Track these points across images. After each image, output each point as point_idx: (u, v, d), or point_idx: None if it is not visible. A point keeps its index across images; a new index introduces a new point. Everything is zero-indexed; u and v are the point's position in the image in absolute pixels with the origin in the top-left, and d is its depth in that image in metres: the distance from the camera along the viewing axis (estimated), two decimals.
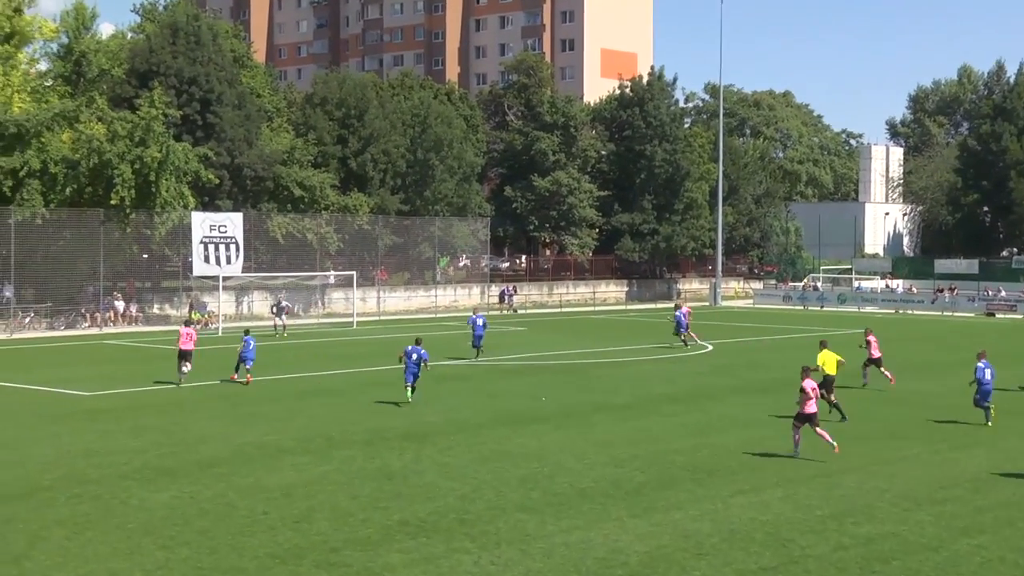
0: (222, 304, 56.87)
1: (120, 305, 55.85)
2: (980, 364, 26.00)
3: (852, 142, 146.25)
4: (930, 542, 16.13)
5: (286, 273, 61.04)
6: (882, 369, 32.44)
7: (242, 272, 58.75)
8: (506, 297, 72.86)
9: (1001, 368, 30.17)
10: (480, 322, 40.59)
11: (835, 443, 21.76)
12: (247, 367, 32.77)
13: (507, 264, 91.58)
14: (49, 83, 61.04)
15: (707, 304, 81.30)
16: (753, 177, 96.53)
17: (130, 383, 33.03)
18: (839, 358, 27.17)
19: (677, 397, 30.79)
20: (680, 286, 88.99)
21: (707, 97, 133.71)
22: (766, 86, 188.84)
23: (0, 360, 40.62)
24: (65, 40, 60.76)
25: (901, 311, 74.82)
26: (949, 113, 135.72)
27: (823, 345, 28.00)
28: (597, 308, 75.90)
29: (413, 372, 28.90)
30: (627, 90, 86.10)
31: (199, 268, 56.85)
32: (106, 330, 53.23)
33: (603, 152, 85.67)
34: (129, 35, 67.55)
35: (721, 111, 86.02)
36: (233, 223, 57.81)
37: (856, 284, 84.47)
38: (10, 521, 16.81)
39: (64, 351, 44.09)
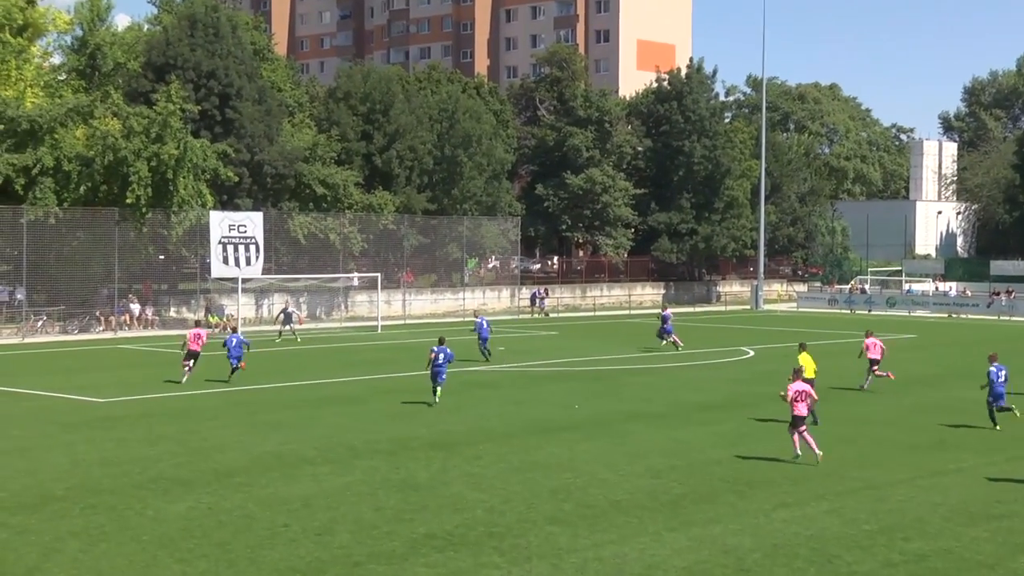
0: (241, 307, 57.13)
1: (136, 308, 56.24)
2: (992, 368, 26.53)
3: (903, 137, 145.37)
4: (987, 559, 16.00)
5: (308, 275, 61.27)
6: (875, 369, 33.39)
7: (262, 274, 59.00)
8: (537, 300, 72.84)
9: None
10: (484, 324, 41.98)
11: (820, 451, 22.19)
12: (238, 364, 34.30)
13: (538, 266, 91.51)
14: (63, 77, 61.61)
15: (748, 308, 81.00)
16: (797, 174, 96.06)
17: (145, 389, 33.26)
18: (815, 365, 28.00)
19: (715, 405, 30.69)
20: (720, 288, 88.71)
21: (749, 90, 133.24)
22: (811, 78, 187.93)
23: (12, 365, 41.01)
24: (79, 32, 61.32)
25: (954, 315, 74.26)
26: (1007, 106, 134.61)
27: (802, 347, 28.82)
28: (632, 312, 75.74)
29: (439, 373, 30.14)
30: (664, 83, 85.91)
31: (217, 270, 57.15)
32: (121, 334, 53.62)
33: (639, 148, 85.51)
34: (145, 27, 68.10)
35: (763, 105, 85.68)
36: (253, 223, 58.10)
37: (906, 287, 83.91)
38: (23, 532, 16.97)
39: (78, 356, 44.45)
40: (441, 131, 72.54)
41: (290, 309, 52.71)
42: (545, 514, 18.20)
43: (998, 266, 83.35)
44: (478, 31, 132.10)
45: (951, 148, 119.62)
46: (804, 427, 22.61)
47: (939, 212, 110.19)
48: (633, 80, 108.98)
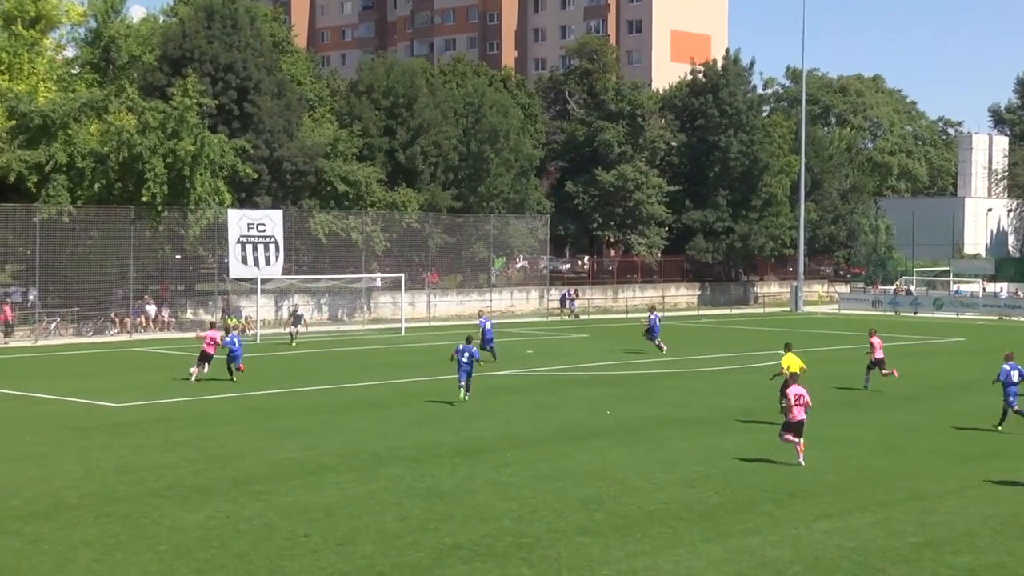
0: (260, 309, 57.35)
1: (151, 310, 56.54)
2: (1006, 366, 26.90)
3: (950, 131, 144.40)
4: None
5: (329, 275, 61.44)
6: (883, 371, 34.54)
7: (282, 274, 59.20)
8: (567, 301, 72.81)
9: None
10: (488, 325, 43.11)
11: (803, 460, 22.64)
12: (237, 364, 35.78)
13: (568, 266, 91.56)
14: (76, 71, 61.98)
15: (787, 310, 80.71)
16: (839, 170, 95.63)
17: (162, 394, 33.44)
18: (802, 364, 28.55)
19: (754, 411, 30.55)
20: (758, 289, 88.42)
21: (788, 82, 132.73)
22: (853, 70, 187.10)
23: (25, 369, 41.32)
24: (93, 25, 61.65)
25: (1005, 317, 73.74)
26: None
27: (787, 348, 29.68)
28: (666, 314, 75.54)
29: (466, 371, 31.30)
30: (700, 75, 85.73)
31: (236, 270, 57.38)
32: (136, 336, 53.92)
33: (673, 143, 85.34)
34: (161, 19, 68.40)
35: (803, 98, 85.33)
36: (272, 221, 58.31)
37: (954, 288, 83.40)
38: (36, 541, 17.09)
39: (92, 359, 44.73)
40: (467, 126, 72.60)
41: (299, 312, 52.80)
42: (576, 524, 18.19)
43: None
44: (505, 22, 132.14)
45: (1002, 142, 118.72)
46: (798, 433, 22.87)
47: (989, 209, 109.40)
48: (667, 72, 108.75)
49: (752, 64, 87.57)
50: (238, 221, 57.08)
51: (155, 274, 58.85)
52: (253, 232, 57.53)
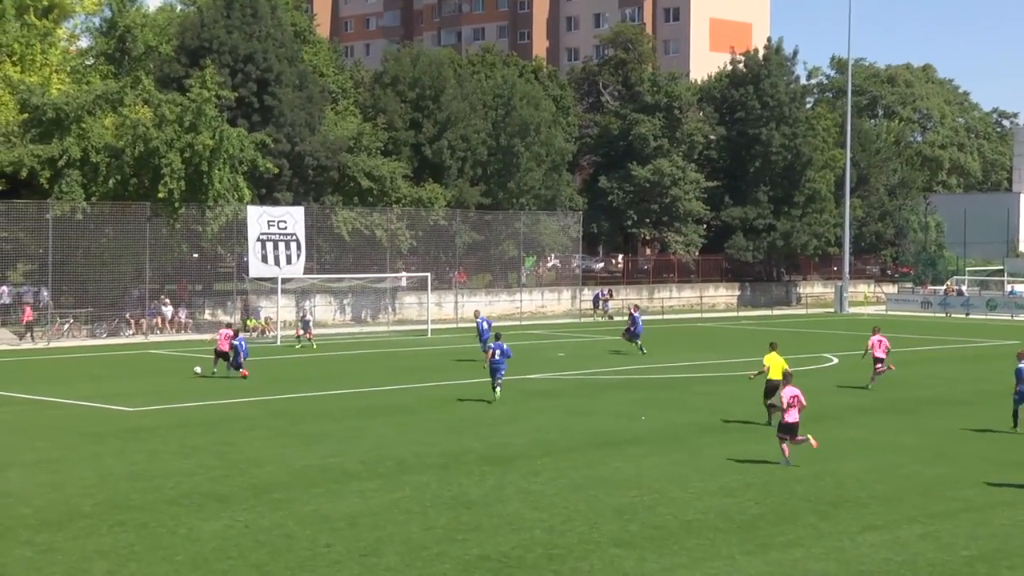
0: (281, 309, 57.52)
1: (168, 310, 56.80)
2: (1021, 365, 27.14)
3: (1005, 123, 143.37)
4: None
5: (352, 275, 61.57)
6: (878, 367, 36.24)
7: (303, 274, 59.34)
8: (600, 302, 72.73)
9: None
10: (485, 325, 43.40)
11: (788, 461, 23.25)
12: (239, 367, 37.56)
13: (601, 265, 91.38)
14: (90, 62, 62.36)
15: (832, 311, 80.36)
16: (886, 164, 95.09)
17: (178, 398, 33.59)
18: (785, 365, 28.47)
19: None
20: (800, 290, 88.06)
21: (833, 73, 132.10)
22: (902, 59, 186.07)
23: (37, 372, 41.61)
24: (108, 14, 62.05)
25: None
26: None
27: (772, 347, 29.66)
28: (704, 315, 75.37)
29: (499, 369, 32.30)
30: (740, 66, 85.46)
31: (256, 269, 57.55)
32: (152, 338, 54.20)
33: (712, 137, 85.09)
34: (178, 8, 68.80)
35: (849, 89, 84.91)
36: (293, 218, 58.47)
37: (1008, 288, 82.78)
38: (48, 551, 17.18)
39: (106, 362, 44.99)
40: (496, 119, 72.60)
41: (308, 316, 52.83)
42: (609, 535, 18.15)
43: None
44: (536, 10, 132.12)
45: None
46: (792, 436, 23.51)
47: None
48: (705, 63, 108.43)
49: (795, 53, 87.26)
50: (258, 218, 57.25)
51: (172, 273, 59.09)
52: (273, 230, 57.68)
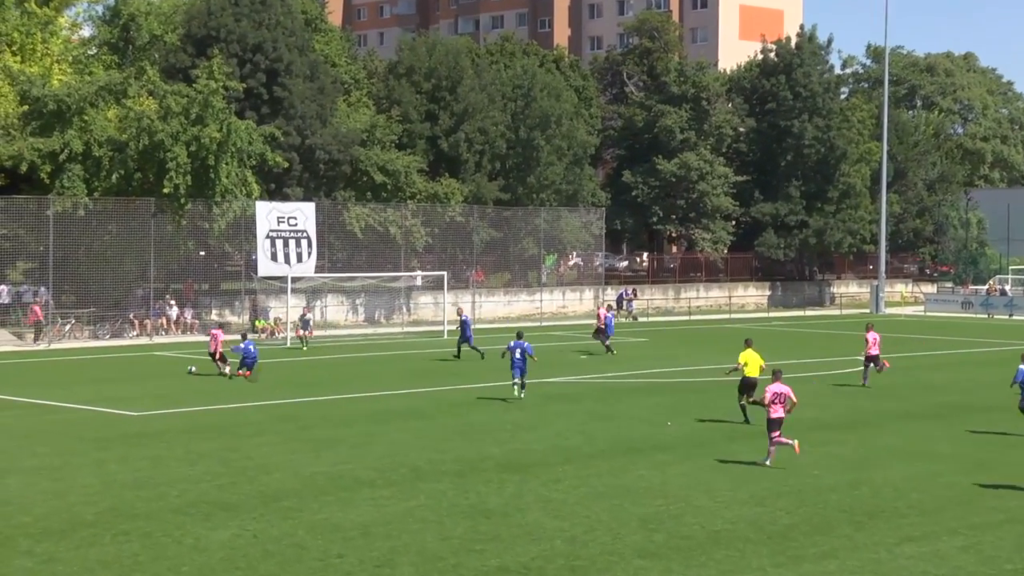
0: (291, 310, 57.58)
1: (173, 311, 56.96)
2: (1023, 367, 27.04)
3: None
4: None
5: (365, 273, 61.66)
6: (875, 367, 37.56)
7: (315, 272, 59.44)
8: (624, 302, 72.67)
9: None
10: (469, 321, 46.15)
11: (770, 462, 23.95)
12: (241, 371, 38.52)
13: (625, 263, 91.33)
14: (93, 52, 62.57)
15: (867, 311, 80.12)
16: (925, 158, 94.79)
17: (184, 402, 33.70)
18: (762, 362, 29.69)
19: (830, 423, 30.39)
20: (834, 289, 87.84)
21: (868, 62, 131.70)
22: (942, 47, 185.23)
23: (37, 374, 41.79)
24: (111, 2, 62.28)
25: None
26: None
27: (747, 344, 30.33)
28: (733, 316, 75.23)
29: (519, 368, 33.32)
30: (771, 54, 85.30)
31: (265, 267, 57.69)
32: (157, 340, 54.36)
33: (741, 129, 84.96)
34: None
35: (886, 78, 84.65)
36: (304, 214, 58.60)
37: None
38: (49, 561, 17.26)
39: (109, 364, 45.15)
40: (515, 111, 72.60)
41: (308, 316, 52.85)
42: (633, 546, 18.14)
43: None
44: None
45: None
46: (778, 432, 24.09)
47: None
48: (735, 51, 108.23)
49: (829, 42, 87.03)
50: (267, 214, 57.39)
51: (177, 272, 59.29)
52: (283, 226, 57.82)
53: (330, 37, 75.35)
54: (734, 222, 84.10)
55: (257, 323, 56.55)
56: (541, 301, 71.50)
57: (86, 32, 65.14)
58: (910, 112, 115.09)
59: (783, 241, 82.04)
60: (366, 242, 63.36)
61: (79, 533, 18.72)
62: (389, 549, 17.86)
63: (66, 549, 17.82)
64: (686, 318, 73.36)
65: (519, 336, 34.35)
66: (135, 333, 55.38)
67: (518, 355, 33.50)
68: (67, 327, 53.82)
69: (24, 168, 53.05)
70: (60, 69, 58.63)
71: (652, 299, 78.03)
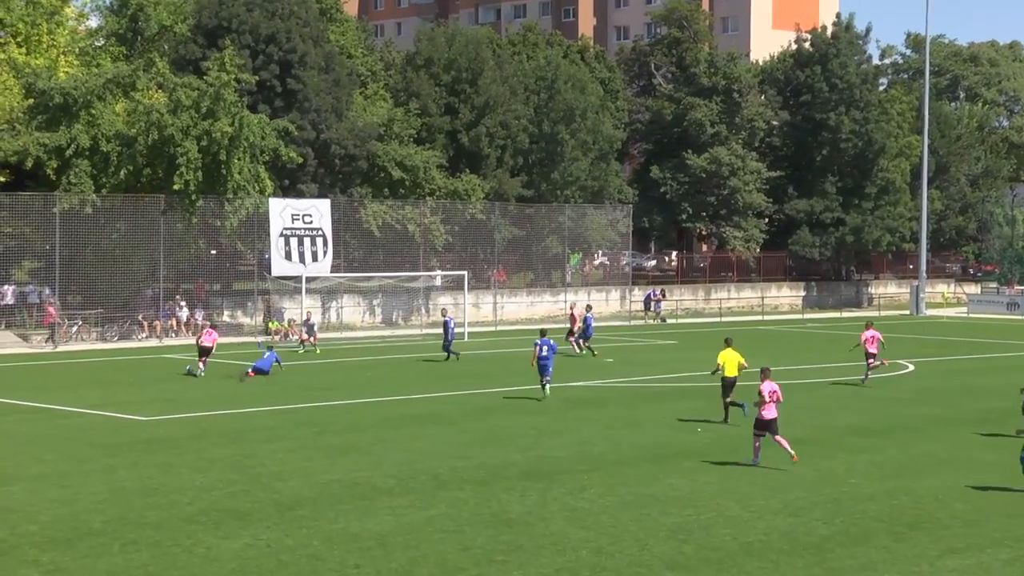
0: (306, 311, 57.69)
1: (184, 312, 57.13)
2: None
3: None
4: None
5: (383, 273, 61.74)
6: (870, 362, 38.96)
7: (330, 272, 59.52)
8: (652, 303, 72.59)
9: None
10: (452, 324, 47.43)
11: (794, 451, 24.63)
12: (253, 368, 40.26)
13: (653, 262, 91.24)
14: (100, 43, 62.81)
15: (907, 313, 79.88)
16: (968, 152, 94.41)
17: (195, 406, 33.81)
18: (741, 360, 30.69)
19: (868, 430, 30.33)
20: (872, 290, 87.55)
21: (909, 51, 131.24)
22: (986, 35, 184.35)
23: (43, 377, 41.97)
24: None
25: None
26: None
27: (727, 343, 31.33)
28: (766, 317, 75.07)
29: (546, 366, 34.41)
30: (806, 44, 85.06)
31: (279, 267, 57.80)
32: (167, 342, 54.51)
33: (775, 122, 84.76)
34: None
35: (927, 69, 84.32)
36: (319, 212, 58.70)
37: None
38: (55, 571, 17.34)
39: (117, 367, 45.32)
40: (539, 104, 72.59)
41: (312, 320, 52.94)
42: (662, 557, 18.14)
43: None
44: None
45: None
46: (772, 432, 24.77)
47: None
48: (768, 41, 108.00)
49: (867, 31, 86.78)
50: (281, 212, 57.51)
51: (188, 272, 59.42)
52: (298, 224, 57.94)
53: (346, 27, 75.49)
54: (767, 220, 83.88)
55: (271, 325, 56.66)
56: (565, 302, 71.32)
57: (93, 22, 65.50)
58: (952, 104, 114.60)
59: (818, 240, 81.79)
60: (383, 241, 63.42)
61: (86, 542, 18.80)
62: (408, 560, 17.89)
63: (73, 559, 17.90)
64: (717, 320, 73.21)
65: (543, 334, 35.52)
66: (144, 335, 55.54)
67: (544, 352, 34.58)
68: (74, 328, 54.00)
69: (29, 164, 53.27)
70: (66, 61, 58.87)
71: (681, 300, 77.89)
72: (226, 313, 59.97)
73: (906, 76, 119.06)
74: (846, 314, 79.35)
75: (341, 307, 63.34)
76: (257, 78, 58.30)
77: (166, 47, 61.38)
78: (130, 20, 61.42)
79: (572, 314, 52.03)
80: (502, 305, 68.80)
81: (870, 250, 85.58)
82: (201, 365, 41.37)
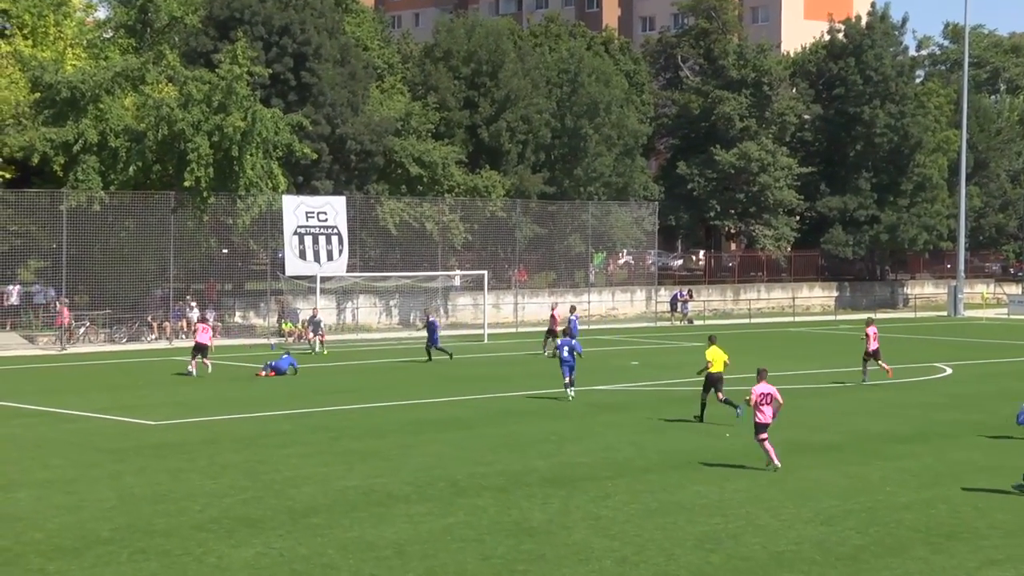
0: (320, 312, 57.76)
1: (194, 313, 57.22)
2: None
3: None
4: None
5: (400, 273, 61.81)
6: (880, 363, 39.81)
7: (346, 271, 59.58)
8: (679, 304, 72.54)
9: None
10: (437, 324, 48.53)
11: (779, 462, 24.92)
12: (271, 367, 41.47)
13: (680, 262, 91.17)
14: (109, 35, 62.94)
15: (944, 314, 79.60)
16: (1009, 147, 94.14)
17: (206, 410, 33.88)
18: (725, 357, 31.77)
19: (903, 436, 30.23)
20: (908, 290, 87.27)
21: (946, 42, 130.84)
22: None
23: (50, 380, 42.12)
24: None
25: None
26: None
27: (711, 340, 32.37)
28: (797, 319, 74.91)
29: (570, 366, 34.96)
30: (839, 35, 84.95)
31: (292, 266, 57.90)
32: (177, 343, 54.60)
33: (806, 116, 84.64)
34: None
35: (966, 60, 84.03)
36: (334, 209, 58.78)
37: None
38: None
39: (126, 369, 45.45)
40: (561, 97, 72.60)
41: (318, 317, 52.95)
42: (689, 567, 18.12)
43: None
44: None
45: None
46: (765, 435, 25.07)
47: None
48: (799, 32, 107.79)
49: (904, 21, 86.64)
50: (295, 209, 57.62)
51: (199, 271, 59.58)
52: (312, 222, 58.03)
53: (362, 19, 75.61)
54: (798, 217, 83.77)
55: (284, 326, 56.76)
56: (589, 303, 71.42)
57: (101, 14, 65.64)
58: (992, 97, 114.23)
59: (852, 238, 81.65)
60: (401, 239, 63.50)
61: (94, 551, 18.85)
62: (426, 569, 17.90)
63: (80, 568, 17.94)
64: (746, 321, 73.10)
65: (564, 333, 36.47)
66: (154, 336, 55.72)
67: (567, 353, 34.97)
68: (81, 330, 54.19)
69: (36, 160, 53.48)
70: (74, 54, 59.03)
71: (709, 301, 77.82)
72: (238, 314, 60.10)
73: (944, 68, 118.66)
74: (881, 315, 79.03)
75: (357, 308, 63.42)
76: (270, 71, 58.36)
77: (176, 39, 61.54)
78: (139, 11, 61.49)
79: (552, 315, 51.80)
80: (523, 306, 68.79)
81: (906, 249, 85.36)
82: (192, 365, 42.10)
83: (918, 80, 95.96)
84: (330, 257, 58.50)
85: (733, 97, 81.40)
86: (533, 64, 72.84)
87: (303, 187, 60.09)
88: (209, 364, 42.19)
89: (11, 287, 55.68)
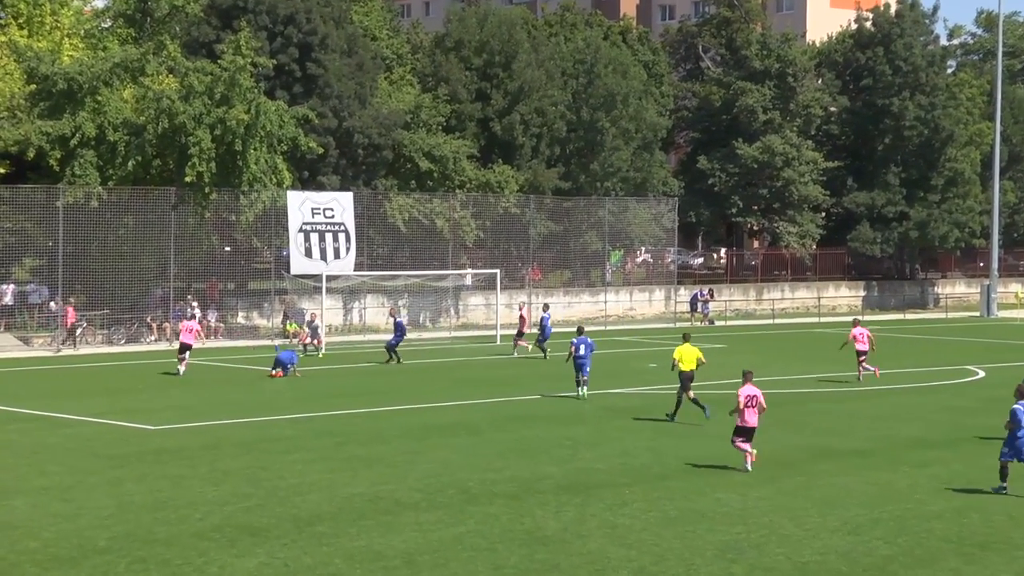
0: (327, 312, 57.86)
1: (196, 313, 57.26)
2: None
3: None
4: None
5: (409, 271, 61.79)
6: (862, 361, 40.96)
7: (353, 270, 59.58)
8: (699, 304, 72.49)
9: None
10: (405, 322, 49.94)
11: (750, 467, 25.41)
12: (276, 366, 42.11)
13: (701, 260, 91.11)
14: (107, 25, 63.06)
15: (977, 315, 79.42)
16: None
17: (208, 415, 33.94)
18: (699, 355, 32.72)
19: (933, 441, 30.19)
20: (939, 289, 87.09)
21: (979, 31, 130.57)
22: None
23: (46, 383, 42.21)
24: None
25: None
26: None
27: (685, 338, 33.36)
28: (823, 319, 74.80)
29: (583, 365, 35.90)
30: (867, 24, 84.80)
31: (298, 265, 57.91)
32: (177, 345, 54.62)
33: (832, 109, 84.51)
34: None
35: (1000, 50, 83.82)
36: (341, 205, 58.79)
37: None
38: None
39: (125, 372, 45.53)
40: (577, 89, 72.58)
41: (316, 322, 52.96)
42: None
43: None
44: None
45: None
46: (748, 440, 25.57)
47: None
48: (825, 21, 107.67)
49: (935, 9, 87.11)
50: (300, 205, 57.63)
51: (200, 270, 59.58)
52: (318, 219, 58.04)
53: (370, 7, 75.64)
54: (824, 214, 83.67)
55: (288, 327, 56.77)
56: (605, 302, 71.42)
57: (99, 2, 65.75)
58: None
59: (880, 235, 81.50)
60: (410, 236, 63.49)
61: (91, 560, 18.89)
62: None
63: None
64: (769, 322, 73.04)
65: (580, 331, 36.65)
66: (153, 338, 55.79)
67: (582, 351, 35.81)
68: (79, 331, 54.23)
69: (31, 154, 53.50)
70: (71, 44, 59.14)
71: (731, 300, 77.76)
72: (241, 314, 60.13)
73: (976, 58, 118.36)
74: (910, 316, 79.01)
75: (364, 308, 63.40)
76: (275, 62, 58.44)
77: (177, 29, 61.62)
78: (139, 0, 61.60)
79: (521, 315, 53.21)
80: (537, 306, 68.65)
81: (936, 247, 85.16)
82: (183, 365, 43.06)
83: (949, 71, 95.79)
84: (337, 255, 58.49)
85: (756, 89, 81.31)
86: (548, 55, 72.84)
87: (309, 182, 60.12)
88: (183, 367, 42.98)
89: (5, 286, 55.77)
